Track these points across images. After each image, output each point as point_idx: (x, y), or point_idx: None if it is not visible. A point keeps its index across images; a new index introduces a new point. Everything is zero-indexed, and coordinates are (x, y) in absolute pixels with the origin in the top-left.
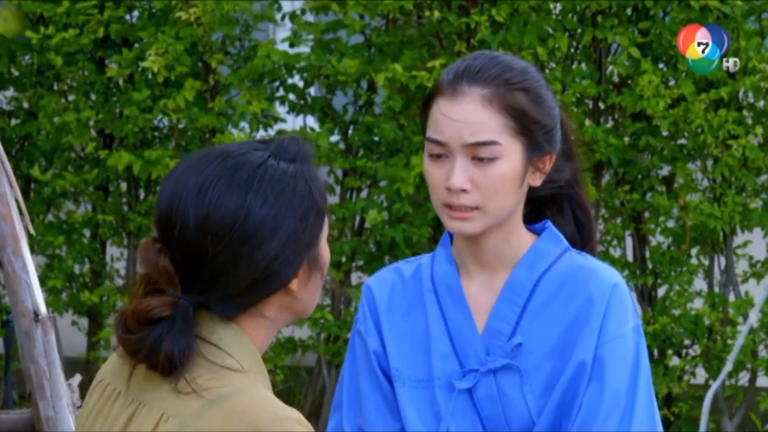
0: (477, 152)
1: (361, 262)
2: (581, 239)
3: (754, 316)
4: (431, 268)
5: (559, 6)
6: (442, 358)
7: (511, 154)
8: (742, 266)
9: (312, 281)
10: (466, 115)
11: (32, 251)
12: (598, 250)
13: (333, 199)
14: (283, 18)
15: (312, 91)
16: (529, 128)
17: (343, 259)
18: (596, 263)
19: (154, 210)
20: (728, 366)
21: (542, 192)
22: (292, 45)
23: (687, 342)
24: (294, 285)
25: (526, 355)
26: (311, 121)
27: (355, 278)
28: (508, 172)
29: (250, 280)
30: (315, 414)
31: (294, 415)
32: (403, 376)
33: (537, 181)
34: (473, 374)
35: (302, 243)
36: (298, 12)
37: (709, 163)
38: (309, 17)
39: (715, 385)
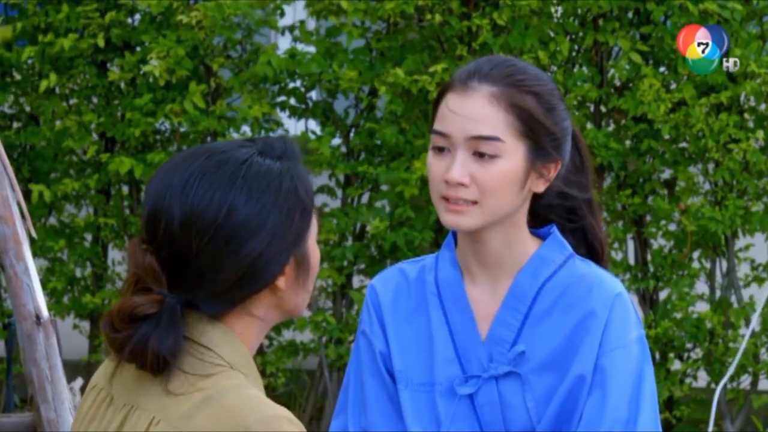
0: (479, 147)
1: (362, 266)
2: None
3: (755, 320)
4: (435, 271)
5: (560, 9)
6: (445, 363)
7: (513, 154)
8: (743, 269)
9: (300, 280)
10: (472, 110)
11: (34, 255)
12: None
13: (335, 203)
14: (283, 33)
15: (313, 95)
16: (535, 131)
17: (345, 263)
18: (599, 272)
19: (142, 208)
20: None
21: (551, 201)
22: (293, 56)
23: (689, 345)
24: (281, 283)
25: (528, 363)
26: (312, 125)
27: (356, 281)
28: (508, 172)
29: (235, 276)
30: (317, 417)
31: (284, 413)
32: (406, 379)
33: (540, 187)
34: (475, 380)
35: (288, 240)
36: (298, 24)
37: (711, 166)
38: (310, 22)
39: (718, 389)
